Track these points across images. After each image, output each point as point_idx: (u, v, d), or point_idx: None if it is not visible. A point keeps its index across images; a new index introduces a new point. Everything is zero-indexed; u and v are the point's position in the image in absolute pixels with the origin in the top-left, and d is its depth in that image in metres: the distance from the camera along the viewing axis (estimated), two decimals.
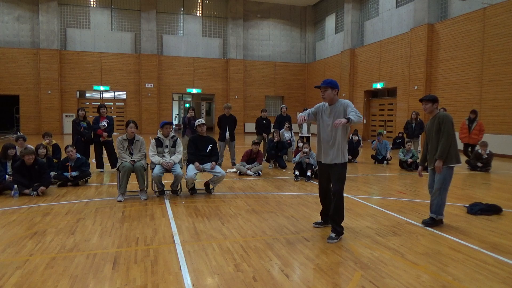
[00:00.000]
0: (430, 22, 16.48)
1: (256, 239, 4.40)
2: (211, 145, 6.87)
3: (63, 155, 8.14)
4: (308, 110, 4.71)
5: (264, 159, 10.34)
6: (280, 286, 3.20)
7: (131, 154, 6.58)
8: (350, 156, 11.58)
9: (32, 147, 7.78)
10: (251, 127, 24.50)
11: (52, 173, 7.45)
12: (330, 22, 26.05)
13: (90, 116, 10.90)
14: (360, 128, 21.33)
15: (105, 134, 9.05)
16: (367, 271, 3.51)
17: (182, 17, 26.23)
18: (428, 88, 16.58)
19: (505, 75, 13.25)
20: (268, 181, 8.32)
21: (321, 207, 4.90)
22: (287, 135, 11.40)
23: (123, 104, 25.52)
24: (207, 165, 6.62)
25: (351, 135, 12.35)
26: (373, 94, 22.02)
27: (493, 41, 13.68)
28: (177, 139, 6.79)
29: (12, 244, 4.16)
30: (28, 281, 3.25)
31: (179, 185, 6.73)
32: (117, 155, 6.88)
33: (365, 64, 21.56)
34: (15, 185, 6.48)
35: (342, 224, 4.52)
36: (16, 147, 7.77)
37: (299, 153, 8.88)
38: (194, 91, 26.55)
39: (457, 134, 5.85)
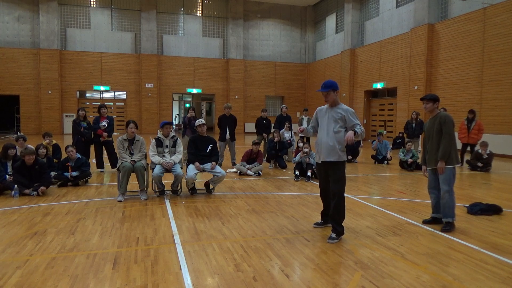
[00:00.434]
0: (430, 22, 16.48)
1: (256, 239, 4.40)
2: (211, 145, 6.88)
3: (63, 155, 8.15)
4: (309, 127, 4.73)
5: (264, 159, 10.34)
6: (280, 286, 3.20)
7: (131, 154, 6.58)
8: (350, 156, 11.58)
9: (32, 147, 7.78)
10: (251, 127, 24.49)
11: (52, 173, 7.45)
12: (330, 22, 26.05)
13: (90, 116, 10.90)
14: None
15: (105, 134, 9.05)
16: (367, 271, 3.51)
17: (182, 17, 26.23)
18: (428, 88, 16.57)
19: (505, 75, 13.25)
20: (268, 181, 8.32)
21: (322, 207, 4.90)
22: (287, 135, 11.40)
23: (123, 104, 25.52)
24: (207, 165, 6.62)
25: None
26: (373, 94, 22.02)
27: (493, 41, 13.68)
28: (177, 139, 6.79)
29: (13, 244, 4.16)
30: (28, 281, 3.25)
31: (179, 185, 6.73)
32: (117, 155, 6.88)
33: (365, 64, 21.56)
34: (15, 185, 6.48)
35: (343, 224, 4.52)
36: (17, 147, 7.77)
37: (299, 153, 8.88)
38: (194, 91, 26.55)
39: (456, 134, 5.81)
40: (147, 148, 6.71)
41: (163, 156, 6.56)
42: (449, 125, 4.78)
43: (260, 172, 9.06)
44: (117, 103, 25.54)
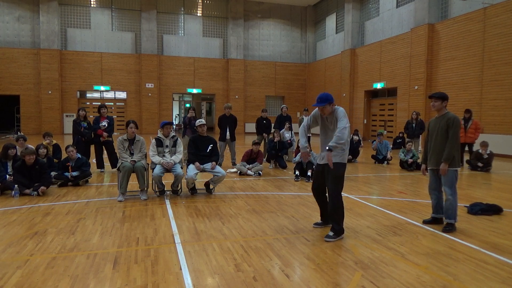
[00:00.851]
0: (430, 22, 16.47)
1: (257, 239, 4.40)
2: (211, 145, 6.88)
3: (64, 155, 8.15)
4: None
5: (264, 159, 10.34)
6: (280, 286, 3.20)
7: (132, 154, 6.58)
8: (350, 156, 11.58)
9: (33, 147, 7.78)
10: (251, 127, 24.49)
11: (53, 173, 7.46)
12: (331, 22, 26.05)
13: (90, 116, 10.90)
14: (361, 128, 21.34)
15: (105, 134, 9.05)
16: (368, 271, 3.51)
17: (182, 17, 26.23)
18: (428, 88, 16.57)
19: (506, 75, 13.24)
20: (269, 181, 8.32)
21: None
22: (287, 135, 11.40)
23: (123, 104, 25.53)
24: (208, 165, 6.62)
25: (351, 135, 12.35)
26: (374, 94, 22.02)
27: (493, 41, 13.68)
28: (177, 139, 6.79)
29: (13, 244, 4.16)
30: (28, 281, 3.25)
31: (179, 185, 6.73)
32: (118, 155, 6.88)
33: (366, 64, 21.56)
34: (16, 185, 6.48)
35: (343, 224, 4.52)
36: (17, 147, 7.78)
37: (300, 153, 8.87)
38: (195, 91, 26.55)
39: None
40: (147, 148, 6.71)
41: (163, 156, 6.56)
42: (457, 128, 4.71)
43: (260, 172, 9.06)
44: (117, 103, 25.54)
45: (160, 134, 6.66)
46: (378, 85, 20.46)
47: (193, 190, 6.82)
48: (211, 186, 6.94)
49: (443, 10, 16.50)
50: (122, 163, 6.39)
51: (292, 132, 11.73)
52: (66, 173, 7.49)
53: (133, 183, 7.14)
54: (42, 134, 9.23)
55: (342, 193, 4.56)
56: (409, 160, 10.15)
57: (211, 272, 3.46)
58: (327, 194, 4.61)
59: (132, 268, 3.53)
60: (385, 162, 11.30)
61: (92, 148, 9.37)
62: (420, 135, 12.55)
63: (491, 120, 13.76)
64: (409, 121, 12.64)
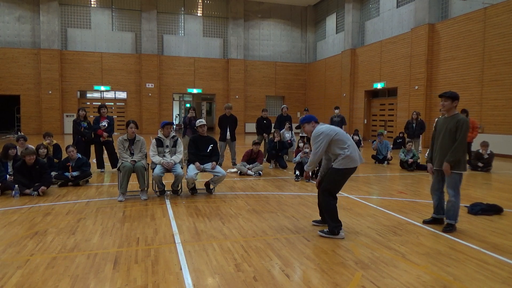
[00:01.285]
0: (430, 22, 16.47)
1: (257, 239, 4.40)
2: (211, 145, 6.88)
3: (64, 155, 8.15)
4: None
5: (264, 159, 10.34)
6: (280, 286, 3.20)
7: (132, 154, 6.58)
8: None
9: (33, 147, 7.78)
10: (251, 127, 24.49)
11: (53, 173, 7.46)
12: (331, 22, 26.04)
13: (91, 116, 10.90)
14: (361, 128, 21.33)
15: (105, 134, 9.05)
16: (368, 271, 3.51)
17: (182, 17, 26.23)
18: (428, 88, 16.57)
19: (506, 75, 13.24)
20: (269, 181, 8.32)
21: None
22: (287, 135, 11.40)
23: (123, 104, 25.53)
24: (208, 165, 6.62)
25: (351, 135, 12.34)
26: (374, 94, 22.01)
27: (494, 41, 13.67)
28: (177, 139, 6.79)
29: (13, 244, 4.16)
30: (29, 281, 3.25)
31: (179, 185, 6.73)
32: (118, 155, 6.88)
33: (366, 64, 21.55)
34: (16, 185, 6.48)
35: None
36: (17, 147, 7.78)
37: (300, 153, 8.88)
38: (195, 91, 26.55)
39: None
40: (147, 148, 6.71)
41: (164, 156, 6.56)
42: (466, 131, 4.65)
43: (260, 172, 9.06)
44: (117, 103, 25.54)
45: (160, 134, 6.67)
46: (378, 85, 20.46)
47: (193, 190, 6.82)
48: (211, 186, 6.95)
49: (443, 10, 16.50)
50: (122, 163, 6.39)
51: (293, 132, 11.73)
52: (67, 173, 7.49)
53: (133, 183, 7.14)
54: (42, 134, 9.24)
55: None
56: (409, 160, 10.14)
57: (211, 272, 3.46)
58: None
59: (132, 268, 3.53)
60: (385, 162, 11.29)
61: (92, 148, 9.37)
62: (421, 135, 12.54)
63: (491, 120, 13.76)
64: (409, 121, 12.64)
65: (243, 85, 26.93)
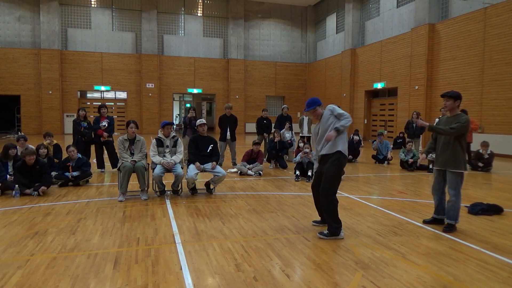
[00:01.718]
0: (431, 22, 16.47)
1: (257, 239, 4.40)
2: (211, 145, 6.88)
3: (64, 155, 8.15)
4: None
5: (264, 159, 10.34)
6: (281, 286, 3.20)
7: (132, 154, 6.58)
8: (350, 156, 11.59)
9: (33, 147, 7.78)
10: (251, 127, 24.49)
11: (53, 173, 7.46)
12: (331, 22, 26.04)
13: (91, 116, 10.90)
14: (361, 128, 21.33)
15: (105, 134, 9.05)
16: (368, 271, 3.51)
17: (182, 17, 26.23)
18: (429, 88, 16.57)
19: (506, 75, 13.24)
20: (269, 181, 8.32)
21: None
22: (287, 135, 11.40)
23: (124, 104, 25.53)
24: (208, 165, 6.62)
25: (352, 135, 12.34)
26: (374, 94, 22.01)
27: (494, 41, 13.67)
28: (177, 139, 6.79)
29: (13, 244, 4.16)
30: (29, 281, 3.25)
31: (179, 185, 6.73)
32: (118, 155, 6.89)
33: (366, 64, 21.55)
34: (16, 185, 6.49)
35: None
36: (17, 147, 7.78)
37: (300, 153, 8.88)
38: (195, 91, 26.55)
39: None
40: (147, 148, 6.72)
41: (164, 156, 6.56)
42: (464, 126, 4.62)
43: (260, 172, 9.06)
44: (117, 103, 25.55)
45: (160, 134, 6.67)
46: (379, 85, 20.45)
47: (193, 190, 6.82)
48: (211, 186, 6.95)
49: (443, 10, 16.49)
50: (122, 163, 6.39)
51: (293, 132, 11.73)
52: (67, 173, 7.49)
53: (133, 183, 7.14)
54: (42, 134, 9.24)
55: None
56: (410, 160, 10.14)
57: (211, 272, 3.46)
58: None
59: (132, 268, 3.53)
60: (386, 162, 11.29)
61: (93, 148, 9.37)
62: (421, 135, 12.54)
63: (491, 120, 13.75)
64: (409, 121, 12.63)
65: (243, 85, 26.93)
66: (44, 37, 23.07)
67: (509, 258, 3.88)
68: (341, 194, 6.88)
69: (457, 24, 15.25)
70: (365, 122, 22.03)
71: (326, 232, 4.45)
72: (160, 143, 6.62)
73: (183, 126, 11.01)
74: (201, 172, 6.59)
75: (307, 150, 8.71)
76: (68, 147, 7.69)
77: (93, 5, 24.50)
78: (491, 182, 8.56)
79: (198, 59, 26.30)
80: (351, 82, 22.81)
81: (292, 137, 11.52)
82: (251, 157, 9.47)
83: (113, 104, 25.31)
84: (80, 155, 7.78)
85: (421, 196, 6.90)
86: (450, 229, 4.74)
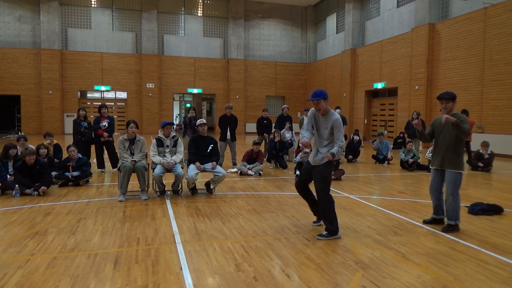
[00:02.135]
0: (431, 22, 16.46)
1: (257, 239, 4.40)
2: (212, 145, 6.88)
3: (64, 155, 8.16)
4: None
5: (264, 159, 10.34)
6: (281, 286, 3.20)
7: (132, 154, 6.58)
8: (351, 156, 11.59)
9: (33, 147, 7.79)
10: (252, 127, 24.49)
11: (53, 173, 7.46)
12: (331, 22, 26.04)
13: (91, 116, 10.91)
14: (361, 128, 21.33)
15: (105, 134, 9.06)
16: (368, 271, 3.51)
17: (183, 17, 26.23)
18: (429, 88, 16.56)
19: (506, 75, 13.23)
20: (269, 181, 8.32)
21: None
22: (288, 135, 11.40)
23: (124, 104, 25.54)
24: (208, 165, 6.62)
25: (352, 135, 12.34)
26: (374, 94, 22.01)
27: (494, 41, 13.67)
28: (178, 139, 6.79)
29: (14, 244, 4.16)
30: (29, 280, 3.25)
31: (180, 185, 6.73)
32: (118, 155, 6.89)
33: (366, 64, 21.55)
34: (16, 185, 6.49)
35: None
36: (17, 147, 7.79)
37: (300, 153, 8.87)
38: (195, 91, 26.56)
39: None
40: (147, 148, 6.72)
41: (164, 156, 6.56)
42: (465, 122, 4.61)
43: (260, 172, 9.06)
44: (117, 103, 25.55)
45: (160, 134, 6.67)
46: (379, 85, 20.45)
47: (193, 190, 6.82)
48: (211, 186, 6.95)
49: (443, 10, 16.49)
50: (122, 163, 6.40)
51: (293, 132, 11.73)
52: (67, 173, 7.49)
53: (133, 183, 7.15)
54: (42, 134, 9.24)
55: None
56: (410, 160, 10.14)
57: (211, 272, 3.46)
58: (311, 190, 4.68)
59: (132, 268, 3.53)
60: (386, 162, 11.29)
61: (93, 148, 9.37)
62: None
63: (491, 120, 13.75)
64: (409, 121, 12.65)
65: (243, 85, 26.93)
66: (44, 37, 23.08)
67: (509, 258, 3.88)
68: (341, 194, 6.88)
69: (457, 24, 15.25)
70: (365, 122, 22.03)
71: (324, 233, 4.45)
72: (160, 143, 6.62)
73: (183, 126, 11.01)
74: (201, 172, 6.59)
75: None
76: (68, 147, 7.70)
77: (93, 5, 24.51)
78: (491, 182, 8.56)
79: (198, 59, 26.30)
80: (351, 82, 22.81)
81: (292, 137, 11.53)
82: (251, 157, 9.47)
83: (113, 104, 25.32)
84: (80, 155, 7.78)
85: (421, 196, 6.90)
86: (451, 229, 4.74)
